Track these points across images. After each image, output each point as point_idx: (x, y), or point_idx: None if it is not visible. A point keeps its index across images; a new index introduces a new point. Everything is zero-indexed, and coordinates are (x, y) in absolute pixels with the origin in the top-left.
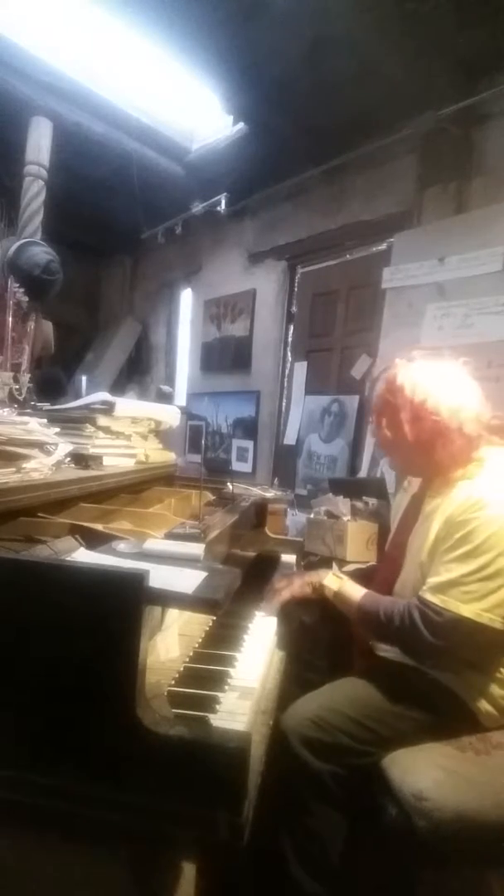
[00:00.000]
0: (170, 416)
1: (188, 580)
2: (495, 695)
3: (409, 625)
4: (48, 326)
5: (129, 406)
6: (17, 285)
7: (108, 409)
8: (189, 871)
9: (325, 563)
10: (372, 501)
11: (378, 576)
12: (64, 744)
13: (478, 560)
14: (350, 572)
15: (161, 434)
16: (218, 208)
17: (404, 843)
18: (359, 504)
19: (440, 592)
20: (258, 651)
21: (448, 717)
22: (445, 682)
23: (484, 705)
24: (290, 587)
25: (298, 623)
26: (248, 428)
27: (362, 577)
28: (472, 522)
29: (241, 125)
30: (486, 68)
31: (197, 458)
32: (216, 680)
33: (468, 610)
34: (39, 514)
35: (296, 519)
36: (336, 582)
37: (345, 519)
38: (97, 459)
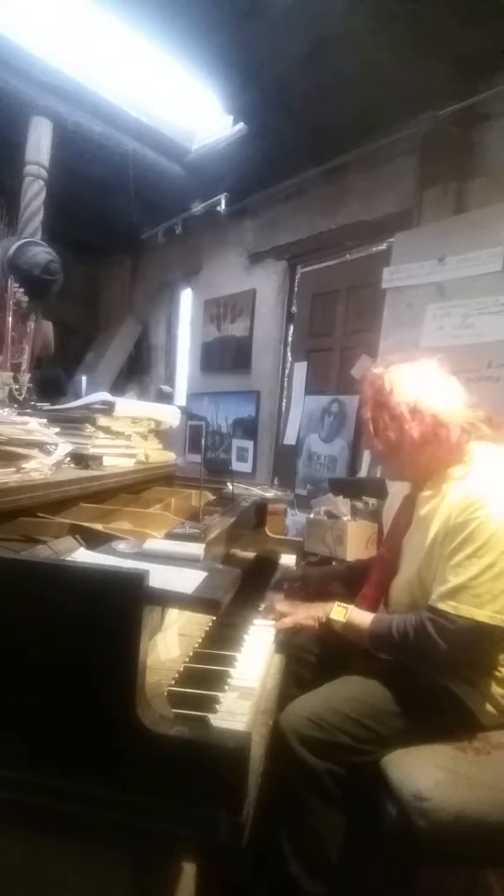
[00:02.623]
0: (170, 416)
1: (188, 580)
2: (495, 694)
3: (423, 637)
4: (48, 326)
5: (128, 406)
6: (17, 285)
7: (107, 409)
8: (189, 871)
9: (327, 561)
10: (372, 501)
11: (372, 578)
12: (64, 744)
13: (483, 560)
14: (338, 566)
15: (161, 434)
16: (218, 208)
17: (404, 843)
18: (359, 504)
19: (451, 599)
20: (258, 651)
21: (447, 717)
22: (444, 682)
23: (483, 704)
24: (295, 617)
25: None
26: (248, 428)
27: (348, 569)
28: (472, 523)
29: (241, 125)
30: (486, 68)
31: (197, 458)
32: (216, 680)
33: (482, 614)
34: (39, 514)
35: (296, 519)
36: (342, 613)
37: (345, 519)
38: (97, 459)
